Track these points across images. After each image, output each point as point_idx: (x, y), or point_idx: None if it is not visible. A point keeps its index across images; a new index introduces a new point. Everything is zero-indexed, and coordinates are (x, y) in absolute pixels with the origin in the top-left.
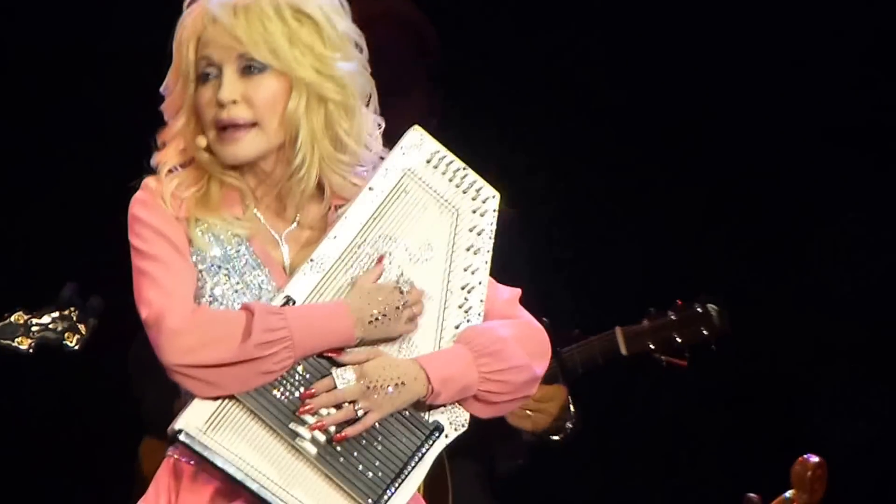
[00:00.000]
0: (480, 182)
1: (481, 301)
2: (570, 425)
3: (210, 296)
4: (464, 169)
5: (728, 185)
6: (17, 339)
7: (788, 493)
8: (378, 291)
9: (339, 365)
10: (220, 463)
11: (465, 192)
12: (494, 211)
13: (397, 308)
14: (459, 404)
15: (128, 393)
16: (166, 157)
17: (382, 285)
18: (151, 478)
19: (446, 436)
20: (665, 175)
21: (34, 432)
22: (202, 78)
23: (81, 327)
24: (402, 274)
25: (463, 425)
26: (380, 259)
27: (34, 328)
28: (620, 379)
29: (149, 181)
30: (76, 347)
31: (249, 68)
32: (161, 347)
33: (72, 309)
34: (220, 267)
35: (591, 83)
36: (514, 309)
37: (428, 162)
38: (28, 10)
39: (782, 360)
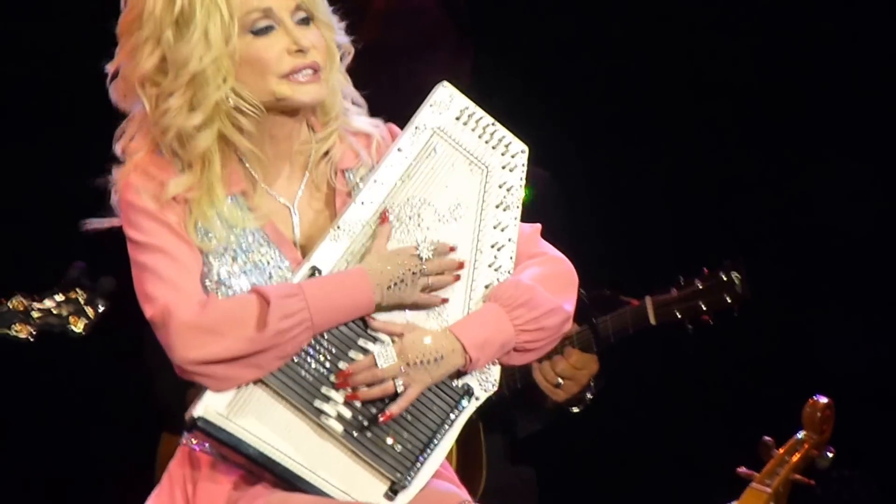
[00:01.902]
0: (509, 137)
1: (511, 258)
2: (591, 397)
3: (218, 280)
4: (493, 124)
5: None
6: (14, 328)
7: (800, 434)
8: (396, 255)
9: (367, 335)
10: (244, 448)
11: (494, 148)
12: (523, 166)
13: (414, 274)
14: (497, 358)
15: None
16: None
17: (400, 249)
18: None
19: (476, 398)
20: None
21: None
22: (260, 31)
23: (89, 310)
24: (427, 238)
25: (493, 385)
26: (383, 215)
27: (34, 314)
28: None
29: (138, 162)
30: (82, 332)
31: (307, 20)
32: (171, 346)
33: (78, 291)
34: (225, 248)
35: (617, 46)
36: (536, 244)
37: (457, 119)
38: None
39: (786, 305)
